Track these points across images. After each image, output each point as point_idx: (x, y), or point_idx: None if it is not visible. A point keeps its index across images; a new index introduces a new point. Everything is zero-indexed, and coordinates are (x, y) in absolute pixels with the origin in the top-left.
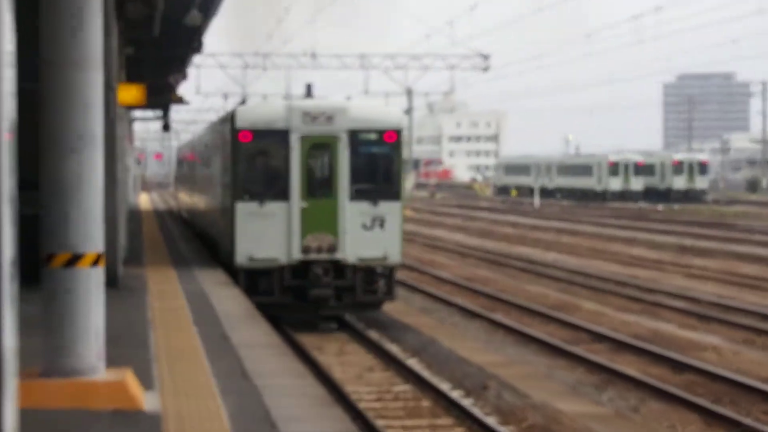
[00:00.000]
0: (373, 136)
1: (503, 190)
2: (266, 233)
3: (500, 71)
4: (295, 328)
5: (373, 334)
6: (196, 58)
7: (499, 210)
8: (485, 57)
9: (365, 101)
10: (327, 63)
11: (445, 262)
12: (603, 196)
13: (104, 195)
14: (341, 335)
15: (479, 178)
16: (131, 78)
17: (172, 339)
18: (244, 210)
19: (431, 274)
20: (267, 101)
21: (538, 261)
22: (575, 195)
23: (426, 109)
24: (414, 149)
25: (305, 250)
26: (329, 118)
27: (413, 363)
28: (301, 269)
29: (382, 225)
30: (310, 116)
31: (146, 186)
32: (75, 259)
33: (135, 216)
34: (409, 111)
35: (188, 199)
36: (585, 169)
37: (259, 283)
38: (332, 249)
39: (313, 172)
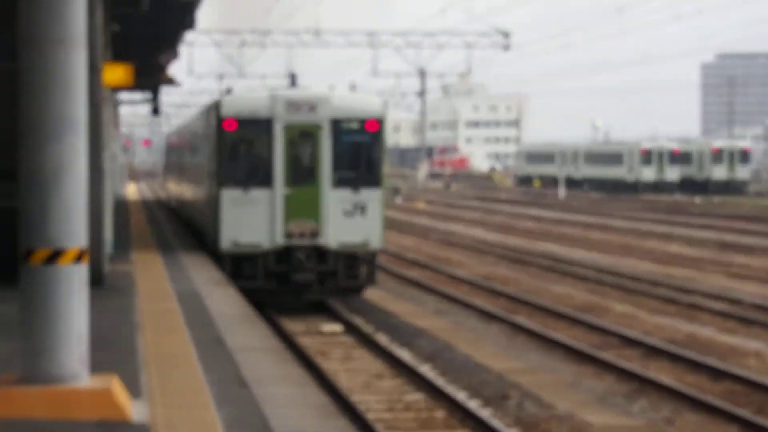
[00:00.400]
0: (354, 125)
1: (525, 181)
2: (250, 219)
3: (522, 50)
4: (296, 331)
5: (382, 339)
6: (189, 36)
7: (521, 202)
8: (506, 34)
9: (347, 91)
10: (332, 41)
11: (462, 260)
12: (635, 187)
13: (88, 185)
14: (347, 339)
15: (499, 167)
16: (117, 57)
17: (163, 343)
18: (229, 197)
19: (446, 273)
20: (251, 91)
21: (563, 259)
22: (604, 186)
23: (441, 92)
24: (428, 136)
25: (288, 235)
26: (312, 108)
27: (426, 370)
28: (284, 255)
29: (363, 211)
30: (293, 106)
31: (134, 175)
32: (56, 256)
33: (122, 208)
34: (422, 93)
35: (176, 188)
36: (615, 158)
37: (243, 269)
38: (314, 235)
39: (297, 160)
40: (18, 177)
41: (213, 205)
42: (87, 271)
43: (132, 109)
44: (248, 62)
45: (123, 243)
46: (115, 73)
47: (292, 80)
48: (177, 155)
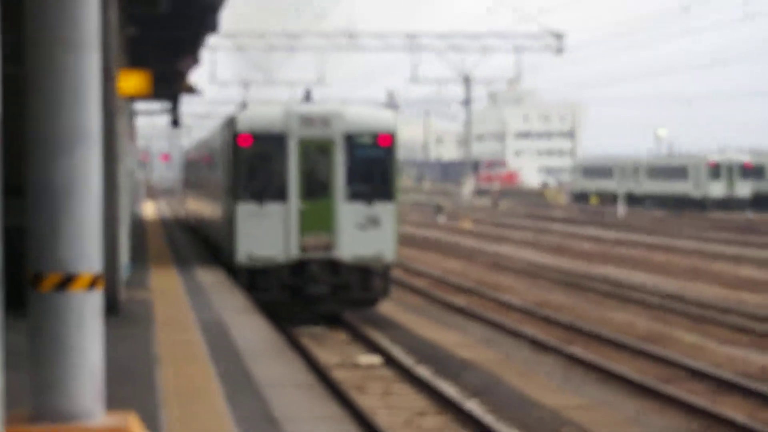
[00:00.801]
0: (368, 140)
1: (581, 197)
2: (265, 233)
3: (577, 53)
4: (331, 363)
5: (425, 372)
6: (211, 40)
7: (577, 221)
8: (558, 36)
9: (361, 106)
10: (367, 44)
11: (512, 285)
12: (702, 204)
13: (102, 203)
14: (386, 372)
15: (552, 182)
16: (134, 63)
17: (184, 376)
18: (245, 211)
19: (495, 299)
20: (266, 106)
21: (623, 283)
22: (668, 203)
23: (487, 100)
24: (473, 148)
25: (303, 248)
26: (326, 123)
27: (473, 406)
28: (299, 267)
29: (377, 225)
30: (307, 121)
31: (152, 192)
32: (67, 281)
33: (139, 228)
34: (466, 102)
35: (194, 205)
36: (680, 172)
37: (258, 281)
38: (328, 248)
39: (311, 174)
40: (25, 193)
41: (229, 219)
42: (101, 298)
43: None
44: (276, 68)
45: (140, 267)
46: (132, 81)
47: (306, 96)
48: (195, 171)
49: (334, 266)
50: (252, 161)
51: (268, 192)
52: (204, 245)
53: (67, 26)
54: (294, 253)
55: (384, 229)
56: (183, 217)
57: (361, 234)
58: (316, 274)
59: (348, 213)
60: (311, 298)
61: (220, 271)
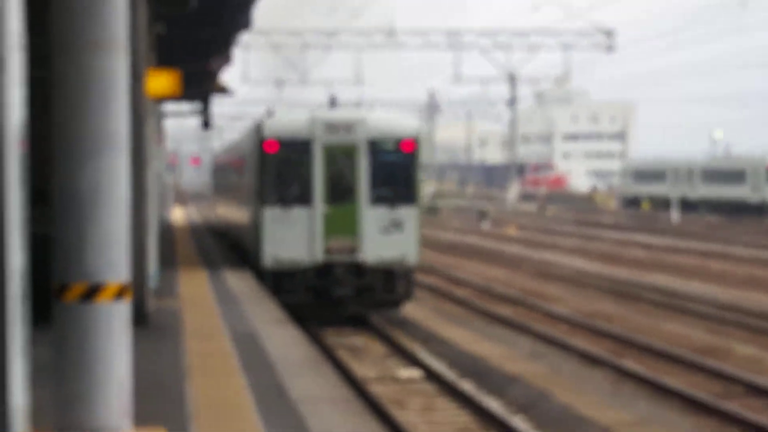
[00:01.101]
0: (390, 146)
1: (632, 202)
2: (291, 237)
3: (628, 51)
4: (368, 377)
5: (468, 386)
6: (244, 37)
7: (628, 227)
8: (609, 33)
9: (384, 113)
10: (407, 41)
11: (560, 295)
12: (760, 210)
13: (130, 210)
14: (427, 387)
15: (601, 186)
16: (162, 63)
17: (215, 390)
18: (271, 215)
19: (542, 310)
20: (292, 113)
21: (677, 293)
22: (724, 208)
23: (534, 100)
24: (519, 151)
25: (327, 252)
26: (349, 129)
27: (519, 422)
28: (324, 270)
29: (400, 228)
30: (331, 127)
31: (181, 198)
32: (93, 291)
33: (167, 236)
34: (512, 102)
35: (223, 209)
36: (736, 176)
37: (284, 284)
38: (353, 251)
39: (335, 179)
40: (51, 200)
41: (255, 223)
42: (128, 308)
43: (179, 122)
44: (311, 67)
45: (169, 276)
46: (160, 81)
47: (332, 102)
48: (223, 175)
49: (358, 269)
50: (278, 167)
51: (294, 196)
52: (233, 250)
53: (94, 27)
54: (319, 256)
55: (407, 232)
56: (213, 223)
57: (385, 237)
58: (341, 276)
59: (371, 217)
60: (336, 300)
61: (252, 278)
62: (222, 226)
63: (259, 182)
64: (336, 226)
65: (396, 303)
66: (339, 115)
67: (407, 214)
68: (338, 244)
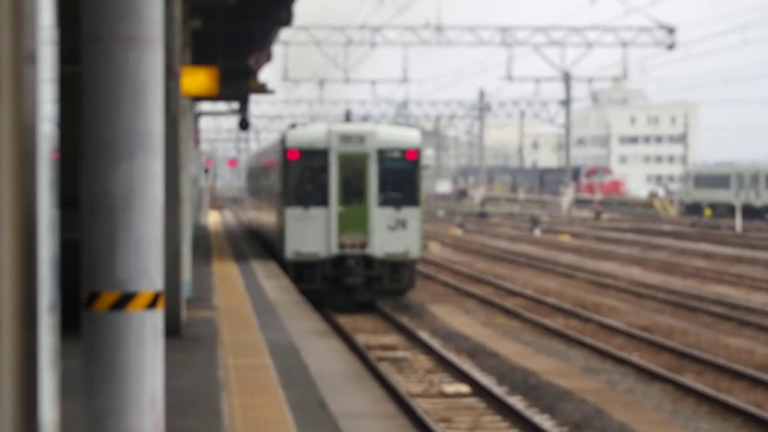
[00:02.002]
0: (397, 154)
1: (693, 209)
2: (310, 233)
3: (690, 49)
4: (414, 392)
5: (519, 402)
6: (284, 33)
7: (689, 236)
8: (670, 30)
9: (391, 126)
10: (456, 38)
11: (616, 306)
12: None
13: (163, 215)
14: (475, 403)
15: (661, 192)
16: (199, 60)
17: (252, 406)
18: (293, 214)
19: (597, 322)
20: (311, 126)
21: (741, 305)
22: None
23: (589, 100)
24: (573, 154)
25: (341, 246)
26: (361, 140)
27: None
28: (338, 262)
29: (404, 226)
30: (345, 138)
31: (217, 202)
32: (125, 300)
33: (203, 242)
34: (566, 102)
35: (254, 211)
36: None
37: (303, 274)
38: (363, 245)
39: (348, 183)
40: (80, 204)
41: (280, 221)
42: (162, 318)
43: (215, 122)
44: (354, 64)
45: (204, 284)
46: (196, 79)
47: (347, 116)
48: (255, 179)
49: (368, 261)
50: (299, 172)
51: (313, 198)
52: (265, 249)
53: (127, 21)
54: (334, 249)
55: (410, 230)
56: (247, 226)
57: (391, 234)
58: (353, 267)
59: (380, 216)
60: (348, 287)
61: (293, 288)
62: (254, 226)
63: (283, 186)
64: (349, 223)
65: (402, 291)
66: (352, 127)
67: (411, 214)
68: (351, 240)
